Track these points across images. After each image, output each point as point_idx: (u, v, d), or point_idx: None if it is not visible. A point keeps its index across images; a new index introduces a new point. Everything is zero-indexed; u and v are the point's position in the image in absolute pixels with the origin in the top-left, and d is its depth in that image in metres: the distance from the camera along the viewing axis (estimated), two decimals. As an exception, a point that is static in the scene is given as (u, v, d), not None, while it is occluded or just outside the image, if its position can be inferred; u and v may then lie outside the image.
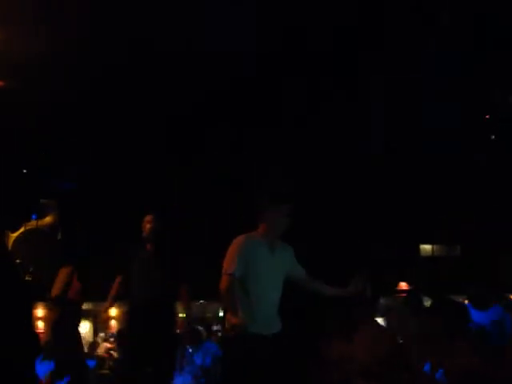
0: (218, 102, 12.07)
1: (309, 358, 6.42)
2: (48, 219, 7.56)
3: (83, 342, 8.66)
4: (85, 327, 20.97)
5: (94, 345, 16.60)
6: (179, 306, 7.29)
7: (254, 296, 5.08)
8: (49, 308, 8.59)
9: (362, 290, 5.47)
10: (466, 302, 7.38)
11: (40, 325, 20.88)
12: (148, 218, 7.06)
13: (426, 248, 23.05)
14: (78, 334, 8.12)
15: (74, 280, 7.67)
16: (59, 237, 7.73)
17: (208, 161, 14.99)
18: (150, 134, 13.34)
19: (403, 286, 20.22)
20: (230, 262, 5.07)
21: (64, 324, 7.68)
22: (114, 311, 17.28)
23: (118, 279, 7.05)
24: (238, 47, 9.88)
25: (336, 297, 5.51)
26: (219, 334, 20.35)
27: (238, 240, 5.18)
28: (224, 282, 5.04)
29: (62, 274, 7.60)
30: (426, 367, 5.55)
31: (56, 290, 7.52)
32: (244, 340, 4.96)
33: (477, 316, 6.84)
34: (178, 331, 7.33)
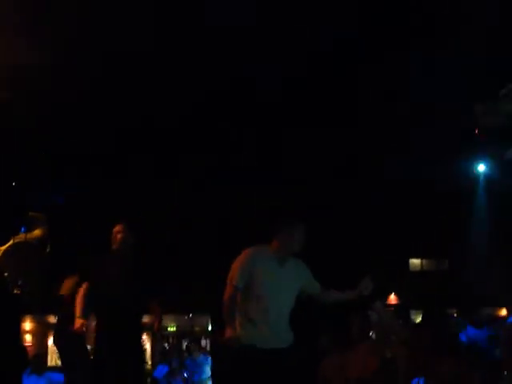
0: (214, 112, 12.13)
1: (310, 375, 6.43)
2: (37, 232, 7.51)
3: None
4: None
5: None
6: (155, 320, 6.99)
7: (259, 308, 5.06)
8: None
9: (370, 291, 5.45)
10: (455, 315, 7.41)
11: (28, 338, 20.79)
12: (118, 227, 6.67)
13: (415, 262, 23.10)
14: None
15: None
16: (48, 250, 7.68)
17: (195, 178, 14.97)
18: (139, 148, 13.32)
19: (392, 299, 20.26)
20: (234, 273, 5.07)
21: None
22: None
23: (82, 292, 6.63)
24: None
25: (350, 301, 5.47)
26: (207, 347, 20.32)
27: (246, 251, 5.19)
28: (227, 293, 5.05)
29: (69, 284, 7.55)
30: (415, 381, 5.56)
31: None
32: (240, 352, 4.95)
33: (472, 332, 6.87)
34: (166, 345, 7.14)
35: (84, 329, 6.61)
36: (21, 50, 8.93)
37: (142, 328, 7.05)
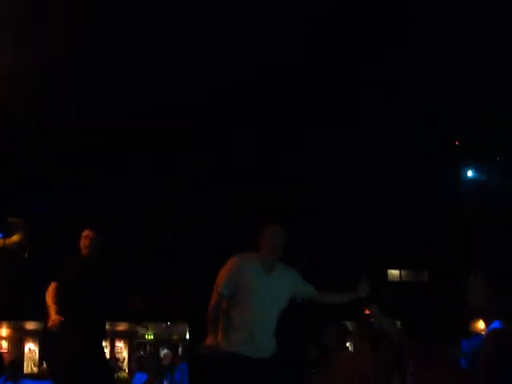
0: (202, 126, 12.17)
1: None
2: (15, 238, 7.47)
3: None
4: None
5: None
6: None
7: (244, 316, 5.05)
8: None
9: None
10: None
11: (4, 344, 20.59)
12: (85, 232, 6.53)
13: (394, 273, 23.17)
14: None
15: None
16: (26, 255, 7.63)
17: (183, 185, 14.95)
18: (139, 148, 13.27)
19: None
20: (220, 280, 5.07)
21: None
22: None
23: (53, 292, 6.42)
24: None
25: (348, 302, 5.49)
26: (185, 356, 20.22)
27: (233, 259, 5.19)
28: (212, 300, 5.05)
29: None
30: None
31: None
32: (222, 360, 4.94)
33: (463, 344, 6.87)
34: (143, 353, 7.07)
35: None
36: (21, 50, 8.93)
37: (103, 335, 6.93)
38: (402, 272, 23.17)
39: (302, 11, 9.26)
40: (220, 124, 12.58)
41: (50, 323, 6.19)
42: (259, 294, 5.06)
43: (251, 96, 11.55)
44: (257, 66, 10.53)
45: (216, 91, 11.18)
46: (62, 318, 6.13)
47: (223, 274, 5.10)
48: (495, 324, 3.80)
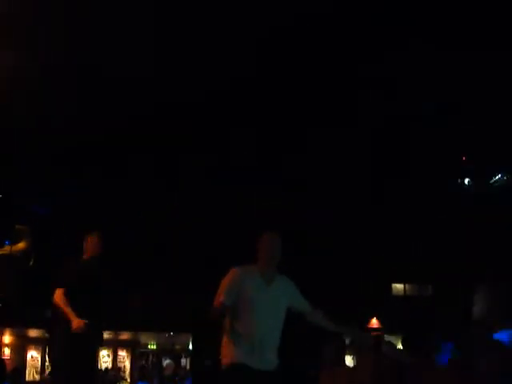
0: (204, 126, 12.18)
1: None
2: (21, 245, 7.50)
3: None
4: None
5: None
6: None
7: (248, 328, 5.04)
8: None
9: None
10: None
11: (6, 351, 20.59)
12: (89, 238, 6.66)
13: (398, 287, 23.13)
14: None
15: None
16: (31, 262, 7.65)
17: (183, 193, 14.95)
18: (140, 148, 13.26)
19: (374, 323, 20.25)
20: (221, 292, 5.07)
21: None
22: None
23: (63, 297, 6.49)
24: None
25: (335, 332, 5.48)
26: (187, 367, 20.18)
27: (234, 270, 5.20)
28: (214, 308, 5.04)
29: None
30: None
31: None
32: (225, 371, 4.94)
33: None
34: (144, 362, 7.10)
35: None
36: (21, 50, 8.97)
37: (99, 341, 6.93)
38: (407, 286, 23.14)
39: (302, 11, 9.29)
40: (220, 124, 12.59)
41: (74, 326, 6.22)
42: (260, 306, 5.07)
43: (251, 96, 11.56)
44: (257, 65, 10.55)
45: (216, 91, 11.20)
46: (86, 321, 6.21)
47: (225, 284, 5.11)
48: (499, 335, 3.81)
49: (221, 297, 5.01)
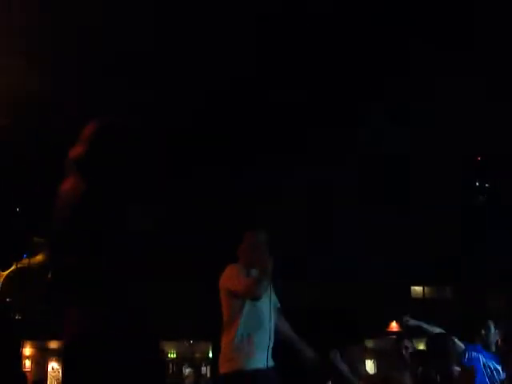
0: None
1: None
2: (39, 258, 7.53)
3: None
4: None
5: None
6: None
7: (253, 325, 5.08)
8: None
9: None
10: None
11: (27, 364, 20.68)
12: None
13: (417, 290, 23.04)
14: None
15: None
16: (50, 275, 7.67)
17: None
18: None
19: (394, 327, 20.16)
20: (238, 278, 5.08)
21: None
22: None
23: None
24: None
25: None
26: (208, 375, 20.15)
27: (234, 265, 5.24)
28: (244, 282, 5.03)
29: None
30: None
31: None
32: (245, 377, 4.94)
33: (488, 357, 6.82)
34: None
35: None
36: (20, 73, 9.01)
37: None
38: (425, 288, 23.04)
39: (302, 11, 9.30)
40: (220, 124, 12.62)
41: None
42: (266, 307, 5.11)
43: (251, 96, 11.58)
44: (257, 65, 10.57)
45: (216, 91, 11.23)
46: None
47: (236, 274, 5.12)
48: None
49: (243, 277, 5.01)
